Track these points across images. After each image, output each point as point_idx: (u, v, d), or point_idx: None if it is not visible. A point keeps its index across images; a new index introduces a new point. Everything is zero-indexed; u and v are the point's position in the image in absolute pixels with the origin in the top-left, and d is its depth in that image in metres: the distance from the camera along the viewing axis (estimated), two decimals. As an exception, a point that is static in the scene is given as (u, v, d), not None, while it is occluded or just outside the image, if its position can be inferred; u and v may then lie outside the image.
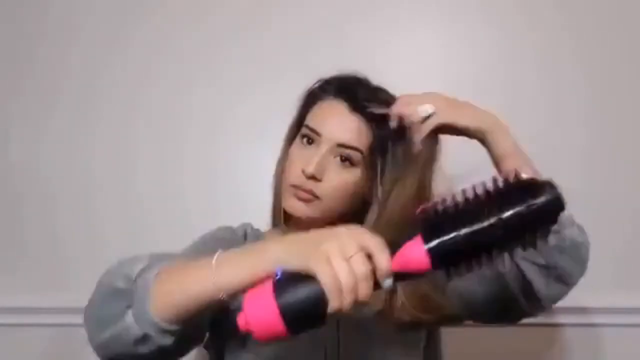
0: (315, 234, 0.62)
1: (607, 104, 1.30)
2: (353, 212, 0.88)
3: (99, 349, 0.69)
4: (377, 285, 0.60)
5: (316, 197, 0.84)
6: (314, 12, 1.33)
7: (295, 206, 0.85)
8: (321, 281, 0.57)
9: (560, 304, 1.26)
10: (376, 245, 0.59)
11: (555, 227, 0.68)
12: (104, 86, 1.36)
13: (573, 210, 1.19)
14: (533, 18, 1.32)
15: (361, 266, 0.58)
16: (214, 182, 1.33)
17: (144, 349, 0.65)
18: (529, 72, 1.31)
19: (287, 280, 0.60)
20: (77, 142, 1.36)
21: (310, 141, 0.87)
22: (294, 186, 0.85)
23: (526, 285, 0.84)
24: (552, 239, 0.78)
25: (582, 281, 1.27)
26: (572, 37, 1.31)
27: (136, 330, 0.65)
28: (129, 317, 0.65)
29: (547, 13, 1.31)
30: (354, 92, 0.86)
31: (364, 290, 0.58)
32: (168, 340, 0.65)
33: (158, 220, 1.32)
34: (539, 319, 1.28)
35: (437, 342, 0.95)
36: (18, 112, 1.37)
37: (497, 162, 0.86)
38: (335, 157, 0.85)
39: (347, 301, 0.57)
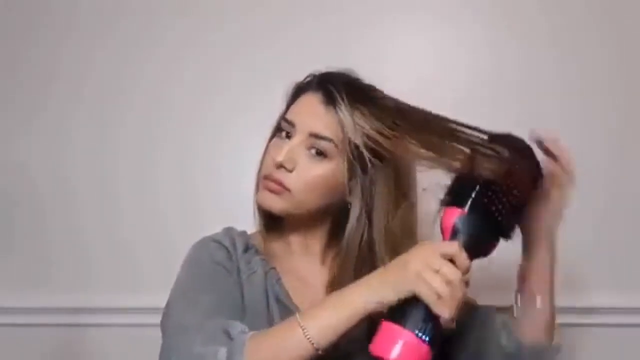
0: (393, 262, 0.70)
1: (607, 103, 1.30)
2: (334, 208, 0.86)
3: None
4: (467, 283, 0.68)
5: (286, 189, 0.82)
6: (309, 17, 1.33)
7: (265, 198, 0.84)
8: (424, 299, 0.64)
9: (560, 304, 1.27)
10: (451, 248, 0.68)
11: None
12: (95, 86, 1.36)
13: (573, 210, 1.21)
14: (528, 22, 1.31)
15: (453, 272, 0.65)
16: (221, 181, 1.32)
17: None
18: (525, 76, 1.31)
19: (402, 317, 0.66)
20: (65, 142, 1.35)
21: (288, 134, 0.85)
22: (265, 177, 0.84)
23: None
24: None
25: (582, 281, 1.29)
26: (567, 39, 1.31)
27: None
28: None
29: (542, 17, 1.31)
30: (333, 85, 0.84)
31: (462, 292, 0.66)
32: None
33: (147, 222, 1.31)
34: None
35: None
36: (8, 111, 1.36)
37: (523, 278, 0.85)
38: (309, 149, 0.83)
39: (452, 307, 0.64)
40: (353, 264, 0.83)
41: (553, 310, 0.84)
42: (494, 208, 0.69)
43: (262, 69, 1.31)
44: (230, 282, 0.81)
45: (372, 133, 0.80)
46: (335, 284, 0.81)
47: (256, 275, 0.84)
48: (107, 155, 1.34)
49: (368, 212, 0.83)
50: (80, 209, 1.34)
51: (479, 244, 0.71)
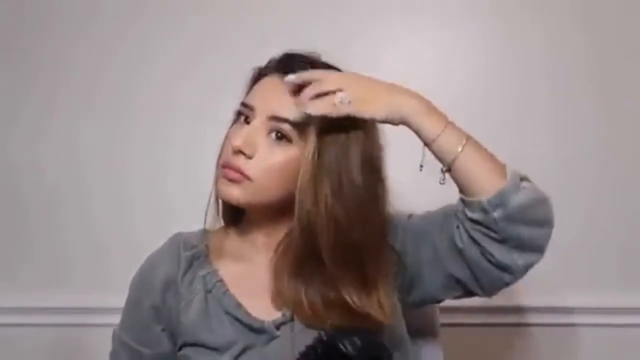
0: None
1: (607, 103, 1.31)
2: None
3: None
4: None
5: (247, 177, 0.76)
6: (312, 18, 1.33)
7: (224, 188, 0.77)
8: None
9: (560, 304, 1.29)
10: None
11: (497, 201, 0.71)
12: (105, 87, 1.36)
13: (573, 209, 1.23)
14: (525, 24, 1.32)
15: None
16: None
17: None
18: (523, 75, 1.32)
19: None
20: (79, 142, 1.35)
21: (247, 119, 0.79)
22: (224, 166, 0.78)
23: (486, 254, 0.75)
24: (497, 212, 0.72)
25: (582, 281, 1.30)
26: (565, 39, 1.32)
27: None
28: None
29: (539, 17, 1.32)
30: (291, 66, 0.78)
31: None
32: None
33: (158, 221, 1.32)
34: (539, 319, 1.30)
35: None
36: (19, 111, 1.37)
37: (428, 146, 0.75)
38: (269, 133, 0.77)
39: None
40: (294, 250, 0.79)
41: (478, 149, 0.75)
42: None
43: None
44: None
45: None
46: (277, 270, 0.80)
47: (197, 298, 0.81)
48: (121, 155, 1.35)
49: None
50: (94, 210, 1.35)
51: None
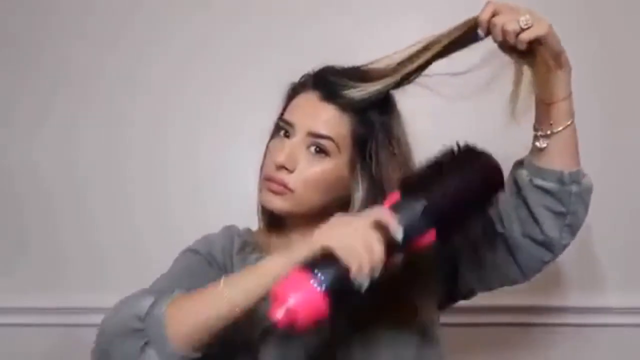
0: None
1: (606, 103, 1.30)
2: (338, 205, 0.85)
3: None
4: (390, 246, 0.67)
5: (289, 189, 0.83)
6: (316, 18, 1.33)
7: (268, 199, 0.84)
8: (335, 250, 0.65)
9: (560, 304, 1.29)
10: (377, 211, 0.69)
11: (575, 177, 0.81)
12: (102, 86, 1.36)
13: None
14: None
15: (366, 230, 0.66)
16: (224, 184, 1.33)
17: None
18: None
19: (311, 265, 0.65)
20: (75, 142, 1.35)
21: (287, 134, 0.85)
22: (267, 179, 0.84)
23: (534, 231, 0.84)
24: (572, 186, 0.82)
25: (582, 281, 1.30)
26: (568, 35, 1.29)
27: None
28: (151, 354, 0.68)
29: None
30: (327, 80, 0.85)
31: (377, 250, 0.65)
32: None
33: (156, 221, 1.32)
34: (539, 319, 1.30)
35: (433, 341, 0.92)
36: (16, 111, 1.37)
37: (549, 103, 0.80)
38: (308, 147, 0.83)
39: (364, 259, 0.64)
40: None
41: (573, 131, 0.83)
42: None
43: (270, 69, 1.31)
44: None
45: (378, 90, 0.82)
46: None
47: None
48: (118, 155, 1.35)
49: (376, 188, 0.83)
50: (91, 210, 1.35)
51: (412, 229, 0.70)
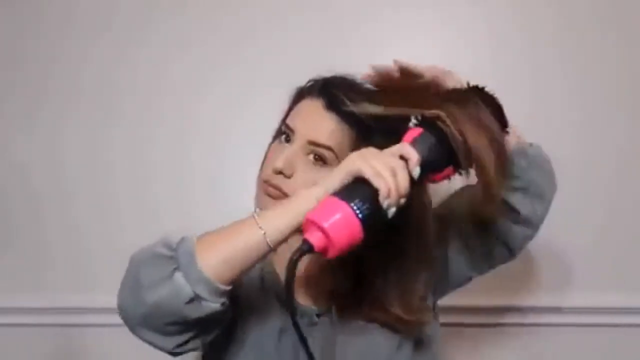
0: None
1: (606, 102, 1.29)
2: None
3: (143, 318, 0.69)
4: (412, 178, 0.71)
5: (285, 194, 0.82)
6: (308, 14, 1.32)
7: (264, 202, 0.84)
8: (364, 173, 0.68)
9: (560, 304, 1.28)
10: (399, 146, 0.72)
11: (521, 149, 0.89)
12: (88, 87, 1.35)
13: (574, 209, 1.22)
14: (527, 16, 1.30)
15: (392, 158, 0.70)
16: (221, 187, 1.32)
17: (192, 313, 0.68)
18: (528, 73, 1.30)
19: (342, 190, 0.69)
20: (62, 142, 1.34)
21: (288, 139, 0.85)
22: (265, 182, 0.84)
23: (513, 213, 0.89)
24: (521, 161, 0.88)
25: (582, 281, 1.29)
26: (566, 33, 1.30)
27: (187, 290, 0.67)
28: (179, 278, 0.67)
29: (541, 11, 1.30)
30: (333, 90, 0.84)
31: (404, 181, 0.69)
32: (217, 304, 0.69)
33: (143, 222, 1.31)
34: (539, 319, 1.30)
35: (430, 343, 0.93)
36: (4, 110, 1.36)
37: None
38: (308, 154, 0.83)
39: (390, 181, 0.68)
40: None
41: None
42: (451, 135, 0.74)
43: (258, 67, 1.31)
44: None
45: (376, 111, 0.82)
46: None
47: (251, 279, 0.87)
48: (105, 155, 1.34)
49: None
50: (78, 209, 1.34)
51: (431, 161, 0.73)
